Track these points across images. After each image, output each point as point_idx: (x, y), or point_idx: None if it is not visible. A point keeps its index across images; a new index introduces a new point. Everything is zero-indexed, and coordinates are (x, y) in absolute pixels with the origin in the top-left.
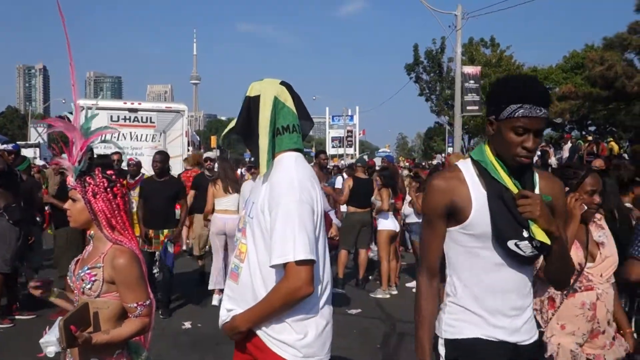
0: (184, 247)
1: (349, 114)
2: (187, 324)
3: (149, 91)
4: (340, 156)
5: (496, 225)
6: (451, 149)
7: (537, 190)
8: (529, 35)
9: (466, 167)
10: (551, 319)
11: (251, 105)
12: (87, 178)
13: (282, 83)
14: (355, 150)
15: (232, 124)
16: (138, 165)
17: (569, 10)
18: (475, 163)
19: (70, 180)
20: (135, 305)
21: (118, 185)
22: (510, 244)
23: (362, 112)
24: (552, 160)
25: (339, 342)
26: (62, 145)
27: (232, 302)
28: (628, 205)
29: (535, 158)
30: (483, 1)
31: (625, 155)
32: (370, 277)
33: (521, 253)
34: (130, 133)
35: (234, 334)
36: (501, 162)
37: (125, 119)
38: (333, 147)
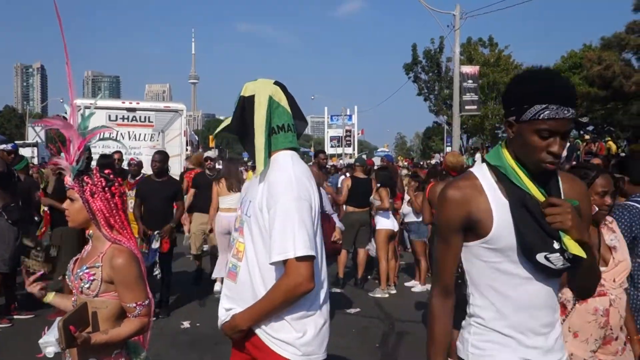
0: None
1: (348, 113)
2: (186, 324)
3: (147, 91)
4: (339, 156)
5: (522, 238)
6: (450, 148)
7: (562, 196)
8: (527, 35)
9: (482, 174)
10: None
11: (246, 105)
12: (85, 177)
13: (276, 83)
14: (353, 149)
15: (225, 123)
16: (139, 165)
17: (566, 10)
18: (492, 168)
19: (68, 179)
20: (134, 305)
21: (116, 184)
22: (540, 257)
23: (360, 112)
24: None
25: (337, 341)
26: (59, 145)
27: (230, 302)
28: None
29: None
30: (481, 1)
31: (624, 155)
32: (369, 277)
33: (551, 266)
34: (129, 132)
35: (234, 332)
36: (522, 167)
37: (123, 118)
38: (332, 146)
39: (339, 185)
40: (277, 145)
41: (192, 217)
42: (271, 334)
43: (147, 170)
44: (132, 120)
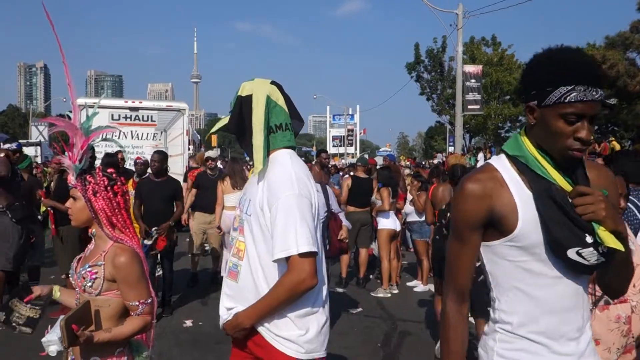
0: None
1: (350, 113)
2: (188, 322)
3: (150, 90)
4: (341, 155)
5: (551, 233)
6: (452, 148)
7: (590, 185)
8: (531, 34)
9: (502, 165)
10: None
11: (243, 105)
12: (88, 176)
13: (273, 83)
14: (356, 149)
15: (221, 122)
16: (145, 164)
17: (570, 9)
18: (512, 159)
19: (71, 178)
20: (136, 303)
21: (118, 183)
22: (571, 253)
23: (363, 111)
24: None
25: (340, 341)
26: (62, 144)
27: (231, 301)
28: None
29: None
30: (484, 0)
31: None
32: (371, 277)
33: (584, 263)
34: (131, 132)
35: (236, 331)
36: (546, 156)
37: (126, 117)
38: (334, 146)
39: (336, 186)
40: (276, 144)
41: (194, 215)
42: (274, 331)
43: None
44: (134, 119)
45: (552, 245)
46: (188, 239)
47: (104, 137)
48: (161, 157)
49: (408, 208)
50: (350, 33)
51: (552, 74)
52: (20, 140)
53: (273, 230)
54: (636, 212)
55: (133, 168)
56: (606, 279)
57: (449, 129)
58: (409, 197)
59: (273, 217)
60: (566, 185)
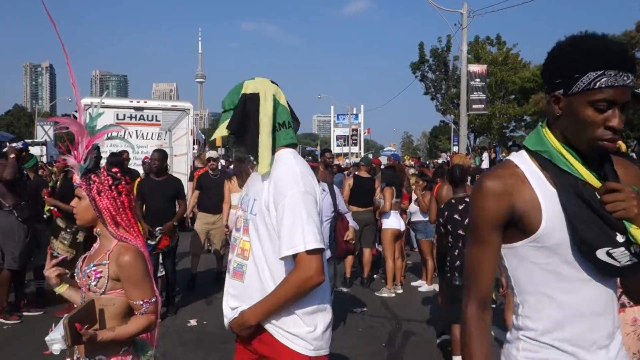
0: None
1: (354, 112)
2: (193, 322)
3: (155, 89)
4: (345, 155)
5: (578, 232)
6: (457, 147)
7: (619, 181)
8: (535, 34)
9: (523, 161)
10: None
11: (248, 102)
12: (92, 176)
13: (272, 82)
14: (360, 149)
15: (222, 126)
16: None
17: (575, 9)
18: (534, 155)
19: (76, 178)
20: (140, 302)
21: (123, 182)
22: (601, 253)
23: (367, 111)
24: None
25: (344, 340)
26: (68, 144)
27: (236, 300)
28: None
29: None
30: None
31: (634, 155)
32: (375, 276)
33: (615, 264)
34: (136, 131)
35: (242, 329)
36: (571, 150)
37: (131, 117)
38: (338, 145)
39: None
40: (279, 142)
41: (197, 216)
42: (283, 327)
43: None
44: (139, 119)
45: (580, 245)
46: (190, 239)
47: (110, 135)
48: (161, 155)
49: (412, 207)
50: (355, 33)
51: (579, 60)
52: (26, 140)
53: (280, 228)
54: None
55: (139, 168)
56: (634, 283)
57: (453, 129)
58: (414, 196)
59: (280, 215)
60: (594, 181)
